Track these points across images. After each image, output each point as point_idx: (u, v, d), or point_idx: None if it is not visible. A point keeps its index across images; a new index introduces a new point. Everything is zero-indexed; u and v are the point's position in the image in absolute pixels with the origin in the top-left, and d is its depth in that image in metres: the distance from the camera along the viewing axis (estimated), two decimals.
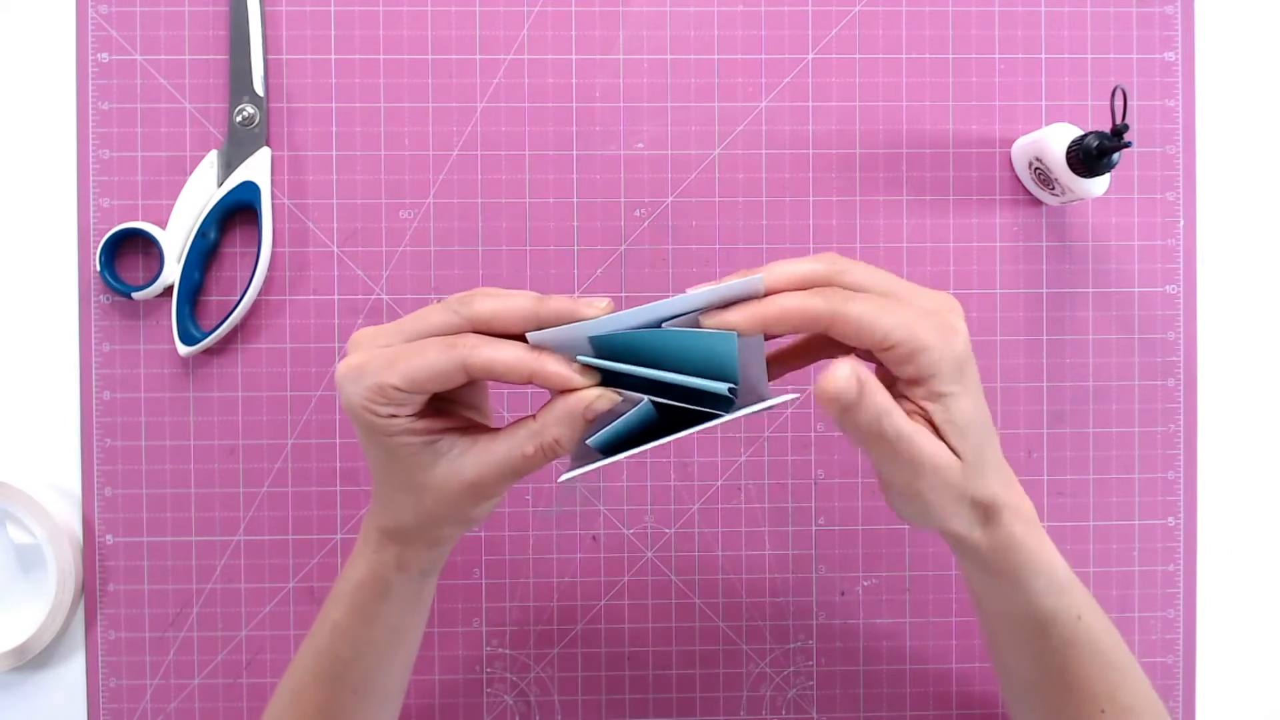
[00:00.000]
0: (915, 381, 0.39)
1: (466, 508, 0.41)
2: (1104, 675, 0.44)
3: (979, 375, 0.40)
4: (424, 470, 0.40)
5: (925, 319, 0.38)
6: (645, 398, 0.38)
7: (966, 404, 0.39)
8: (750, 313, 0.38)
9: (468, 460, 0.39)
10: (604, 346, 0.39)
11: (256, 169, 0.57)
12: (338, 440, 0.58)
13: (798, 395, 0.39)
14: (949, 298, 0.40)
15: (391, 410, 0.38)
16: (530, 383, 0.38)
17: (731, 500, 0.59)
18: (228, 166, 0.57)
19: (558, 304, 0.38)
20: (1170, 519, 0.60)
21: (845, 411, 0.37)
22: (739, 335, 0.38)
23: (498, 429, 0.40)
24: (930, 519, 0.41)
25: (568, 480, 0.38)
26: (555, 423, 0.38)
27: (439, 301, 0.41)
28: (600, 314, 0.38)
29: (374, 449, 0.40)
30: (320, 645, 0.45)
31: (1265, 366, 0.61)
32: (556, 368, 0.38)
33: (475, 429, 0.41)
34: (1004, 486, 0.41)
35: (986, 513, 0.41)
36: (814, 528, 0.59)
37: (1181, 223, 0.60)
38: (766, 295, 0.38)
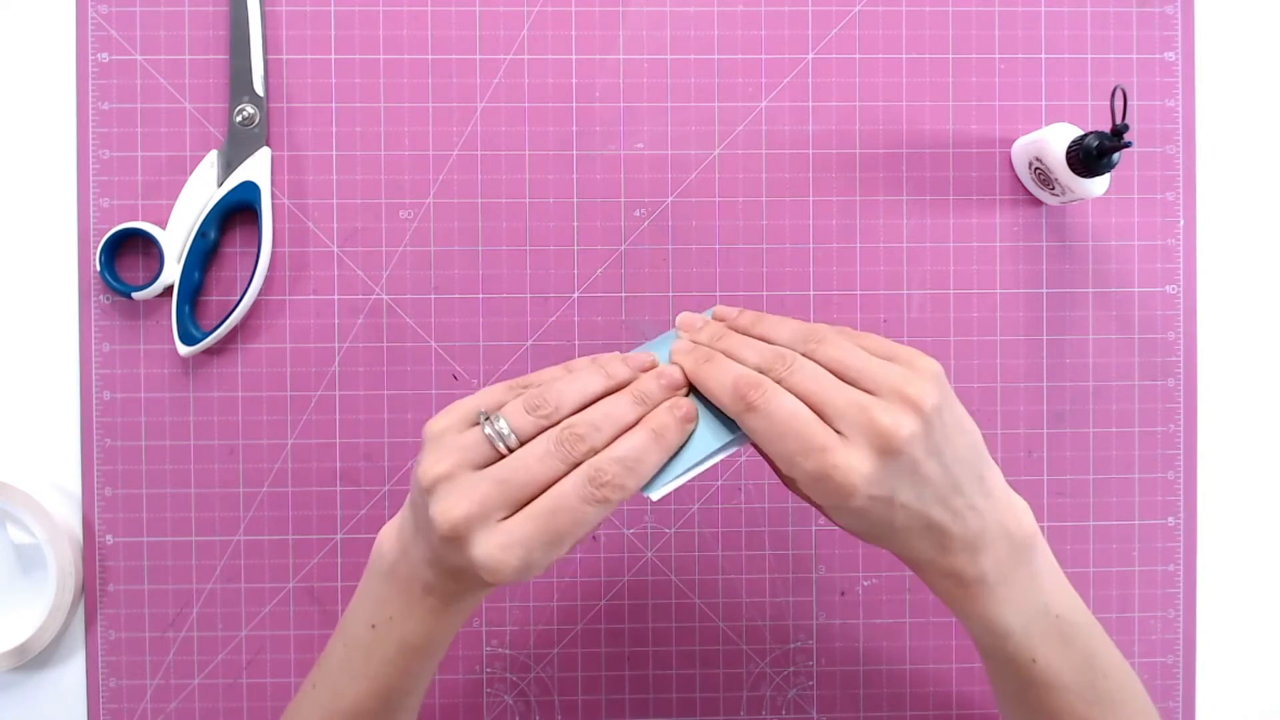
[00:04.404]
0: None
1: None
2: (1072, 709, 0.43)
3: (935, 461, 0.39)
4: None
5: (858, 446, 0.38)
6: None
7: (881, 510, 0.39)
8: (671, 380, 0.41)
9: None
10: None
11: (256, 169, 0.57)
12: (338, 440, 0.58)
13: None
14: (920, 377, 0.39)
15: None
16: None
17: (731, 500, 0.59)
18: (228, 166, 0.57)
19: (617, 371, 0.41)
20: (1170, 519, 0.60)
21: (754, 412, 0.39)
22: None
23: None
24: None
25: (660, 495, 0.41)
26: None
27: (520, 402, 0.40)
28: (645, 362, 0.42)
29: (470, 586, 0.41)
30: (350, 706, 0.44)
31: (1265, 366, 0.61)
32: (678, 432, 0.40)
33: None
34: (937, 553, 0.41)
35: (914, 566, 0.42)
36: (814, 528, 0.59)
37: (1181, 223, 0.60)
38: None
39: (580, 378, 0.40)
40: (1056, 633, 0.43)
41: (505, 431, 0.39)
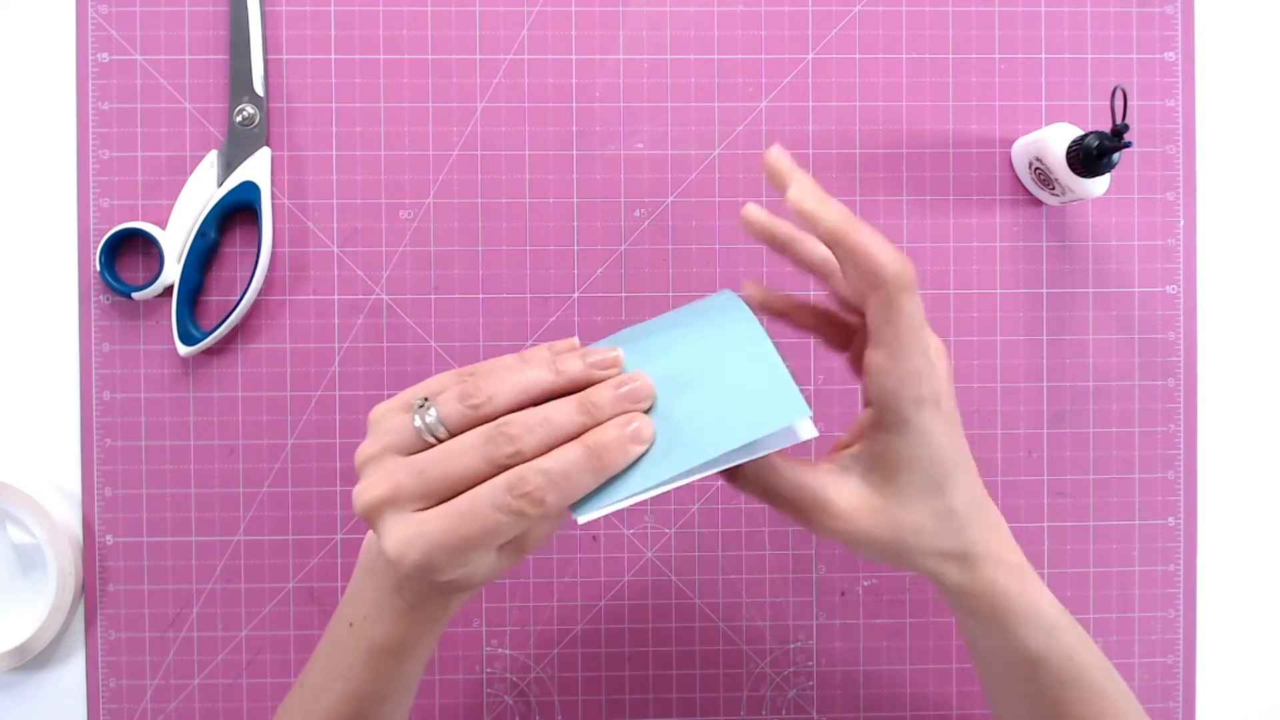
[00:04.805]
0: (888, 398, 0.38)
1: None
2: (1100, 715, 0.43)
3: (961, 425, 0.40)
4: (503, 571, 0.39)
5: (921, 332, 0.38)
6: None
7: (937, 434, 0.39)
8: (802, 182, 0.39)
9: (509, 552, 0.39)
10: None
11: (256, 169, 0.57)
12: (338, 440, 0.58)
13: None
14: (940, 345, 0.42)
15: (476, 569, 0.37)
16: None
17: (731, 500, 0.59)
18: (228, 166, 0.57)
19: (571, 368, 0.37)
20: (1170, 519, 0.60)
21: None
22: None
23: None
24: (900, 562, 0.41)
25: (589, 520, 0.37)
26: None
27: (447, 394, 0.37)
28: (604, 369, 0.37)
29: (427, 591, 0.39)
30: (327, 707, 0.42)
31: (1265, 366, 0.61)
32: (620, 453, 0.36)
33: None
34: (982, 534, 0.40)
35: (961, 561, 0.40)
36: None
37: (1181, 223, 0.60)
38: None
39: (524, 370, 0.37)
40: (1078, 626, 0.43)
41: (433, 421, 0.36)
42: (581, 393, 0.37)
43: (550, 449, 0.35)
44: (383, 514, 0.36)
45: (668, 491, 0.37)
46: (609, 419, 0.36)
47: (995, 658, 0.44)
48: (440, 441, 0.36)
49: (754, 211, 0.44)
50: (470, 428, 0.36)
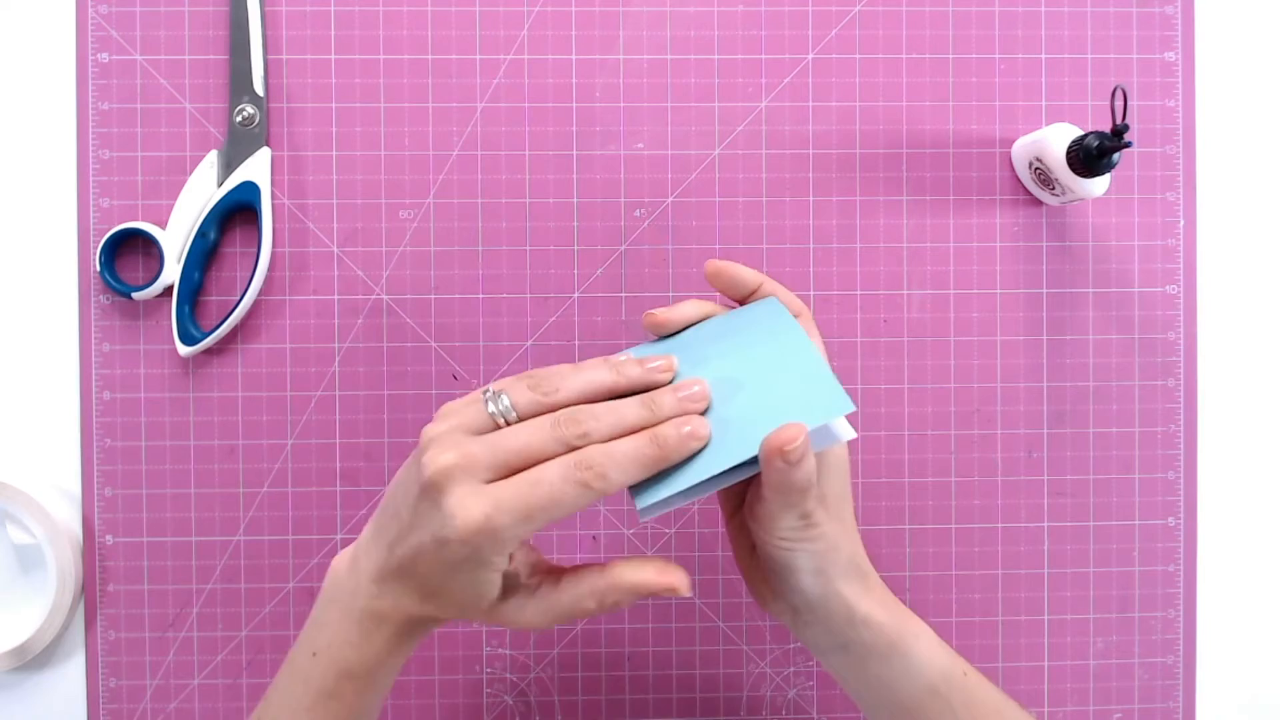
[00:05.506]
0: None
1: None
2: None
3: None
4: (489, 602, 0.40)
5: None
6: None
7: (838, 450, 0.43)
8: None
9: (529, 608, 0.41)
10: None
11: (256, 169, 0.57)
12: (338, 440, 0.58)
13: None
14: None
15: (513, 550, 0.39)
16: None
17: None
18: (228, 166, 0.57)
19: (630, 371, 0.40)
20: (1170, 519, 0.60)
21: (795, 466, 0.38)
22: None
23: (559, 573, 0.41)
24: (827, 582, 0.42)
25: (649, 516, 0.40)
26: (625, 592, 0.40)
27: (529, 404, 0.39)
28: (662, 373, 0.41)
29: (462, 578, 0.39)
30: None
31: (1265, 366, 0.61)
32: (679, 445, 0.39)
33: (540, 565, 0.42)
34: (866, 557, 0.44)
35: (862, 575, 0.43)
36: None
37: (1181, 223, 0.60)
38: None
39: (587, 369, 0.40)
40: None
41: (506, 406, 0.39)
42: (645, 394, 0.40)
43: (615, 438, 0.38)
44: (452, 478, 0.37)
45: (712, 492, 0.40)
46: (668, 418, 0.39)
47: (904, 701, 0.44)
48: (510, 425, 0.39)
49: (716, 262, 0.46)
50: (540, 414, 0.39)
